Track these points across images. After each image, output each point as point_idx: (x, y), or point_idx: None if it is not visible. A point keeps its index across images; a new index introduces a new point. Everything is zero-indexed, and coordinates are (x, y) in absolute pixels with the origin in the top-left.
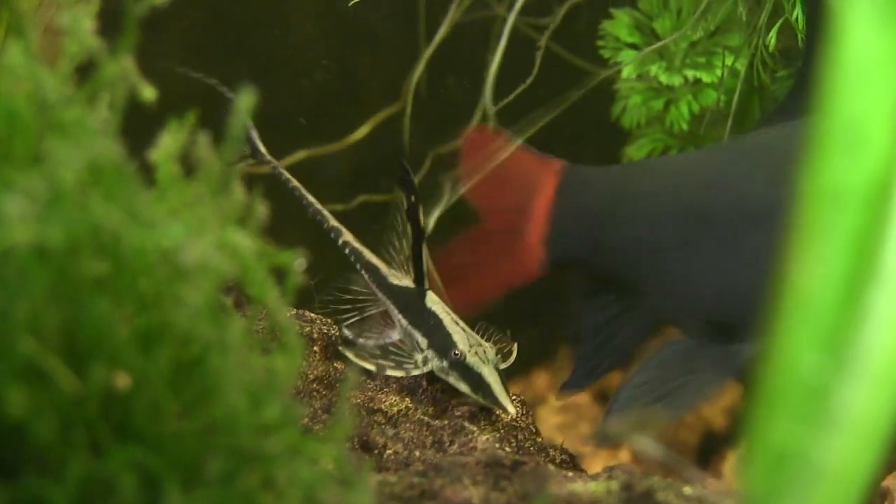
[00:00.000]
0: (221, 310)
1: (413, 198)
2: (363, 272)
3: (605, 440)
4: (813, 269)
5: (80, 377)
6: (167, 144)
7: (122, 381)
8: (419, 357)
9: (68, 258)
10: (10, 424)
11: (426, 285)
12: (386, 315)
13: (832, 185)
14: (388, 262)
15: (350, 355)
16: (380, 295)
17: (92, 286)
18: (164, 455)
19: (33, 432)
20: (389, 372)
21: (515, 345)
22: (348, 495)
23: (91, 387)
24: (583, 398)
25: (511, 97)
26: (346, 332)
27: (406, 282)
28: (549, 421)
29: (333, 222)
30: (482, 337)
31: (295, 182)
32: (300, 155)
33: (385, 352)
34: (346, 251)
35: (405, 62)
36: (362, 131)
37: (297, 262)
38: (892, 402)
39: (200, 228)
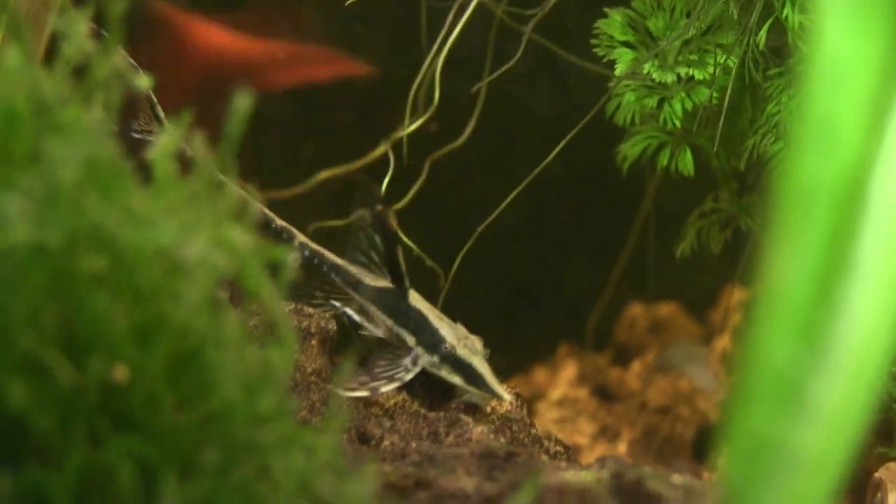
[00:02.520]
0: (217, 305)
1: (379, 207)
2: (331, 274)
3: None
4: (788, 264)
5: (79, 370)
6: (164, 143)
7: (121, 373)
8: (407, 360)
9: (67, 255)
10: (10, 416)
11: (407, 284)
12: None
13: (806, 182)
14: (359, 265)
15: (342, 392)
16: (356, 297)
17: (90, 282)
18: (162, 446)
19: (33, 424)
20: (384, 389)
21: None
22: (345, 485)
23: (90, 379)
24: (581, 393)
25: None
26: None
27: (383, 282)
28: (548, 415)
29: (281, 222)
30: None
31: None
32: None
33: (373, 374)
34: (305, 253)
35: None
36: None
37: (292, 256)
38: (866, 393)
39: (197, 225)
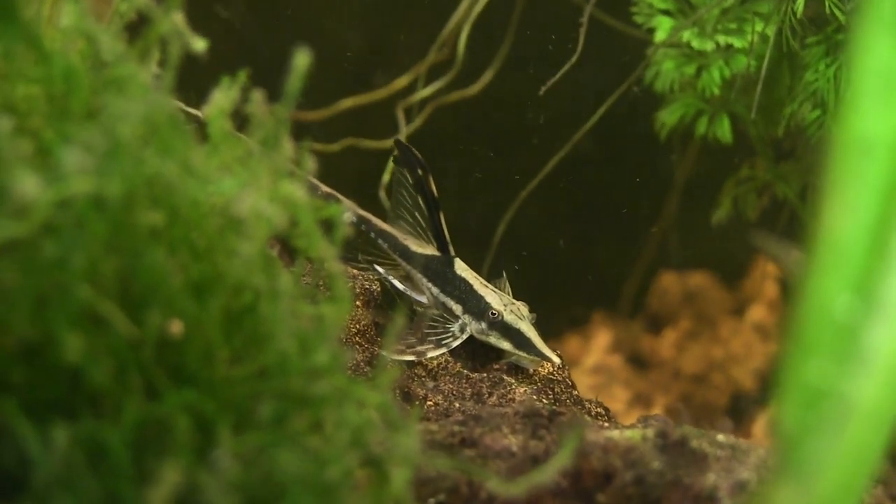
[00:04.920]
0: (271, 260)
1: (420, 171)
2: (378, 240)
3: None
4: (844, 215)
5: (136, 324)
6: (219, 101)
7: (176, 328)
8: (455, 327)
9: (125, 209)
10: (67, 369)
11: (452, 252)
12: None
13: (863, 135)
14: (406, 233)
15: (391, 356)
16: (402, 263)
17: (147, 236)
18: (217, 399)
19: (90, 376)
20: (430, 354)
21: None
22: (395, 438)
23: (146, 333)
24: (615, 360)
25: (559, 75)
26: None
27: (429, 250)
28: (582, 382)
29: (327, 188)
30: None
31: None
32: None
33: (422, 337)
34: (353, 219)
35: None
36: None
37: (346, 214)
38: None
39: (252, 182)
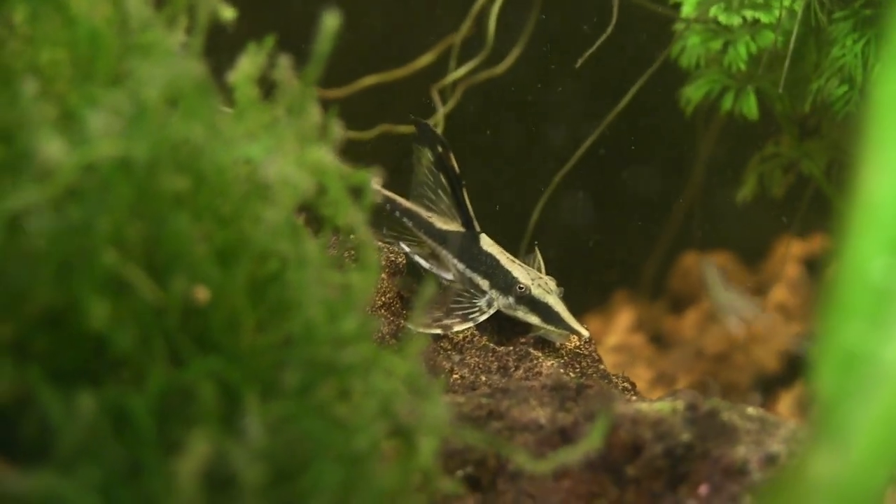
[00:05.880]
0: (298, 228)
1: (440, 148)
2: (404, 218)
3: None
4: (881, 177)
5: (161, 290)
6: (245, 67)
7: (202, 295)
8: (482, 302)
9: (150, 173)
10: (92, 335)
11: (477, 228)
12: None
13: None
14: (430, 210)
15: (417, 328)
16: (428, 241)
17: (173, 202)
18: (243, 367)
19: (115, 342)
20: (457, 328)
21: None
22: (423, 407)
23: (171, 299)
24: (637, 339)
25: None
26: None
27: (454, 226)
28: (605, 360)
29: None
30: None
31: None
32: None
33: (448, 311)
34: (377, 199)
35: None
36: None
37: (374, 180)
38: None
39: (279, 147)
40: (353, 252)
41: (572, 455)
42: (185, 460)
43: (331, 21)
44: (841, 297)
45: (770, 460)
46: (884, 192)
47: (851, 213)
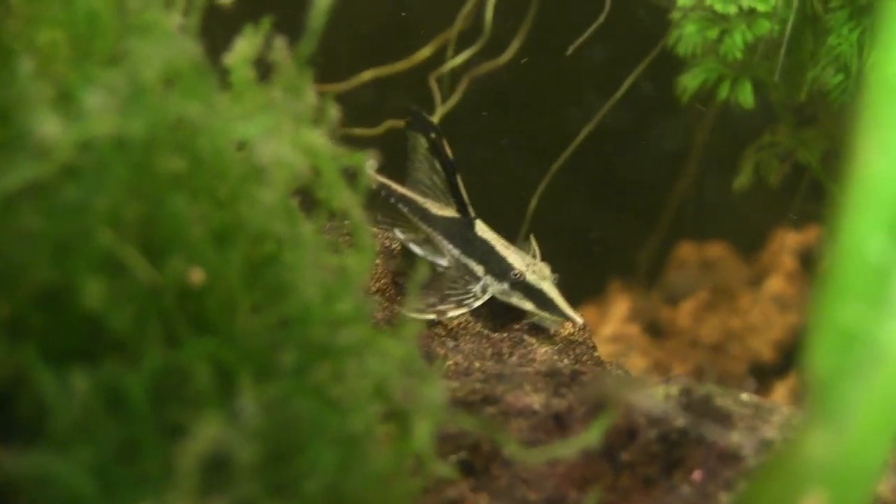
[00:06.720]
0: (293, 210)
1: (433, 134)
2: (399, 205)
3: None
4: (878, 157)
5: (156, 271)
6: (242, 49)
7: (197, 276)
8: (476, 287)
9: (147, 153)
10: (88, 314)
11: (472, 214)
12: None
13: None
14: (426, 196)
15: (411, 314)
16: (423, 227)
17: (170, 182)
18: (238, 348)
19: (110, 322)
20: (451, 314)
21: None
22: (419, 388)
23: (167, 280)
24: (633, 329)
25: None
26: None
27: (449, 212)
28: (600, 350)
29: None
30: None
31: None
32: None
33: (443, 297)
34: (373, 186)
35: None
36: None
37: (369, 163)
38: None
39: (275, 129)
40: (348, 236)
41: (566, 449)
42: (190, 443)
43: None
44: (838, 276)
45: (764, 446)
46: (881, 172)
47: (848, 193)
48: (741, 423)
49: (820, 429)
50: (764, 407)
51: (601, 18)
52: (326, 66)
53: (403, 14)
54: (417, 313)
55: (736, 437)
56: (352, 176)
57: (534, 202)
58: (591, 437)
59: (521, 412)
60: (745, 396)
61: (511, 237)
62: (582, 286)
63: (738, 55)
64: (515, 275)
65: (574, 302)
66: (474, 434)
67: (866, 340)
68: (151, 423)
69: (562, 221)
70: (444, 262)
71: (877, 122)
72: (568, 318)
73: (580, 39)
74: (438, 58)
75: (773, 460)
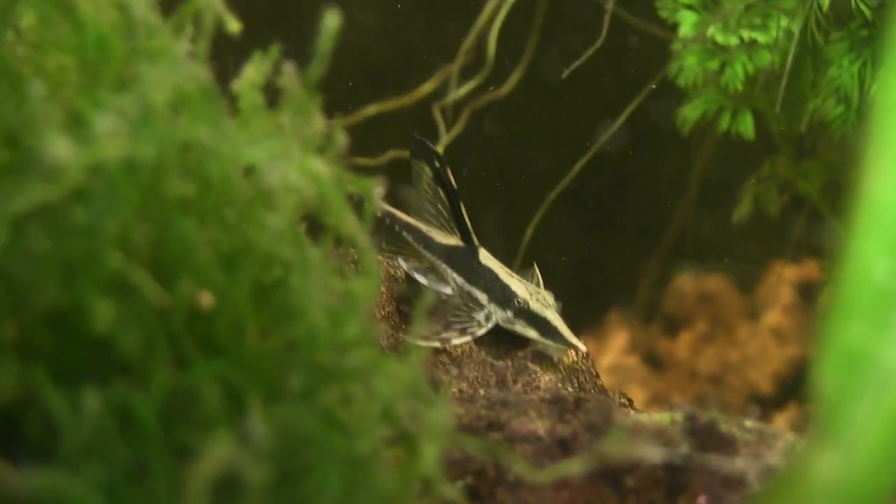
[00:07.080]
0: (301, 235)
1: (437, 163)
2: (403, 233)
3: None
4: (886, 180)
5: (166, 293)
6: (251, 75)
7: (206, 299)
8: (481, 315)
9: (156, 176)
10: (98, 336)
11: (476, 242)
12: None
13: None
14: (430, 225)
15: (416, 342)
16: (427, 255)
17: (178, 206)
18: (246, 370)
19: (120, 344)
20: (455, 342)
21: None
22: (426, 412)
23: (176, 302)
24: (632, 360)
25: (580, 61)
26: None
27: (453, 240)
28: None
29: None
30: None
31: None
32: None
33: (447, 324)
34: (378, 214)
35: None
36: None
37: (377, 189)
38: None
39: (282, 154)
40: (353, 262)
41: (571, 467)
42: (200, 463)
43: (331, 20)
44: (845, 299)
45: (768, 472)
46: (888, 195)
47: (856, 215)
48: (745, 449)
49: (827, 451)
50: (768, 433)
51: (597, 44)
52: (331, 100)
53: (406, 47)
54: (422, 340)
55: (740, 463)
56: (358, 203)
57: (529, 230)
58: (594, 458)
59: (525, 438)
60: (749, 423)
61: (508, 266)
62: (580, 317)
63: (739, 86)
64: (519, 303)
65: (574, 333)
66: (479, 460)
67: (873, 362)
68: (161, 443)
69: (561, 252)
70: (447, 290)
71: (885, 145)
72: (571, 346)
73: (575, 64)
74: (444, 89)
75: (780, 482)
